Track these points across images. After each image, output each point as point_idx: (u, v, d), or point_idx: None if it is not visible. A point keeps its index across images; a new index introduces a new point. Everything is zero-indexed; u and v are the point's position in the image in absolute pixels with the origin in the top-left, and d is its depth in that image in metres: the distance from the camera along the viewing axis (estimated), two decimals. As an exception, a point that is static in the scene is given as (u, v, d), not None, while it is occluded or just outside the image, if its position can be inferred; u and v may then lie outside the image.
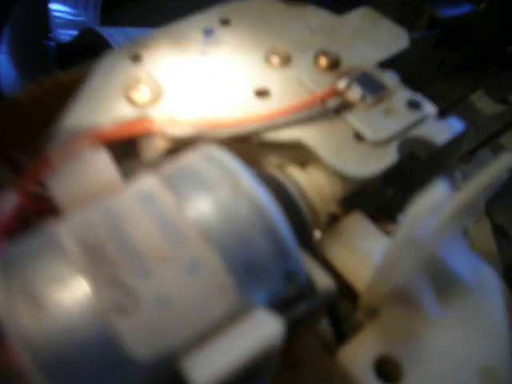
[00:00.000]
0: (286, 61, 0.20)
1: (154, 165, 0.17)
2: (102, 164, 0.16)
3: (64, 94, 0.21)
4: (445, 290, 0.17)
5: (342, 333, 0.17)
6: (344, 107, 0.18)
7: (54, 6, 0.38)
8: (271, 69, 0.20)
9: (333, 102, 0.19)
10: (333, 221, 0.19)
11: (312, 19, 0.23)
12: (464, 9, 0.26)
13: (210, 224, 0.14)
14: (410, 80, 0.30)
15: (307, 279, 0.15)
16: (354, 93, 0.19)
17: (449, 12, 0.25)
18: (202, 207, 0.14)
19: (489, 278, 0.17)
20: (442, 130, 0.18)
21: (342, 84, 0.19)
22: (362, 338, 0.16)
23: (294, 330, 0.14)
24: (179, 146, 0.17)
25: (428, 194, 0.13)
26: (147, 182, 0.15)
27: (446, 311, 0.17)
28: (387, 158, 0.17)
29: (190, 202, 0.14)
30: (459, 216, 0.16)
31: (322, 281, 0.15)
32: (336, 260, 0.18)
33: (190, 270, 0.13)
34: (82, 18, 0.41)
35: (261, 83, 0.20)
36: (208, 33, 0.22)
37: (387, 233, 0.19)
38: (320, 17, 0.23)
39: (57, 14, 0.38)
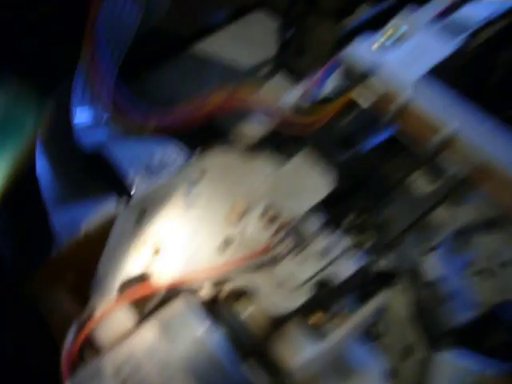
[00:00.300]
0: (242, 215, 0.30)
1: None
2: (124, 319, 0.26)
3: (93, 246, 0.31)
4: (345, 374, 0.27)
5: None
6: (275, 259, 0.28)
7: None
8: (233, 222, 0.30)
9: (268, 255, 0.28)
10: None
11: (262, 169, 0.32)
12: (384, 136, 0.34)
13: (187, 363, 0.24)
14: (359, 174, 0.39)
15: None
16: (284, 247, 0.28)
17: (369, 144, 0.34)
18: (184, 351, 0.24)
19: (373, 366, 0.27)
20: (346, 267, 0.27)
21: (276, 240, 0.28)
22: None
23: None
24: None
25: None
26: (151, 330, 0.25)
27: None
28: (299, 300, 0.27)
29: (176, 347, 0.24)
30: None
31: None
32: (279, 355, 0.28)
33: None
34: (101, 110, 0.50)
35: (225, 235, 0.29)
36: (190, 187, 0.32)
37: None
38: (268, 167, 0.32)
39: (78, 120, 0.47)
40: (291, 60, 0.56)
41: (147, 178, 0.37)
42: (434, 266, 0.30)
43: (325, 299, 0.28)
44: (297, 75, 0.54)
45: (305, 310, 0.27)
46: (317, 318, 0.28)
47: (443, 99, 0.27)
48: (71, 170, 0.46)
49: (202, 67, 0.58)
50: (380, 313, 0.33)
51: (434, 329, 0.29)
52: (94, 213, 0.36)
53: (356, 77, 0.30)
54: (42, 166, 0.44)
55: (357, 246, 0.34)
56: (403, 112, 0.28)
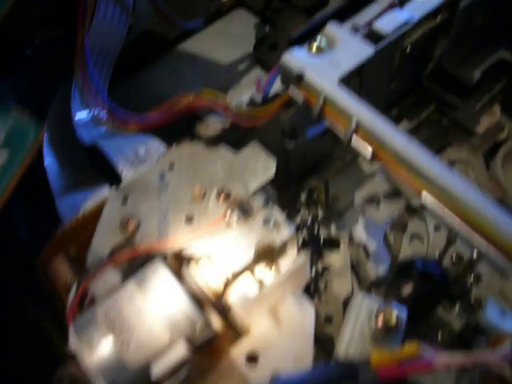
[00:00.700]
0: (203, 196, 0.37)
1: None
2: (112, 277, 0.34)
3: (91, 220, 0.39)
4: (282, 314, 0.34)
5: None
6: (228, 227, 0.36)
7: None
8: (195, 202, 0.37)
9: (222, 224, 0.36)
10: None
11: (219, 159, 0.39)
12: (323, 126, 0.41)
13: (158, 308, 0.32)
14: (313, 157, 0.46)
15: (206, 325, 0.33)
16: (234, 217, 0.36)
17: (311, 133, 0.41)
18: (154, 299, 0.32)
19: (307, 308, 0.34)
20: (281, 234, 0.35)
21: (228, 212, 0.36)
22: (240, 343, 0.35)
23: (201, 348, 0.32)
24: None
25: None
26: (130, 287, 0.34)
27: (281, 325, 0.34)
28: (247, 258, 0.34)
29: (148, 296, 0.32)
30: (279, 289, 0.33)
31: (213, 324, 0.33)
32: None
33: (149, 330, 0.31)
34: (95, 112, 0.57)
35: (188, 212, 0.37)
36: (162, 177, 0.39)
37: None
38: (224, 157, 0.39)
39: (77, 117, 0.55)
40: (265, 56, 0.62)
41: (132, 169, 0.45)
42: (361, 231, 0.38)
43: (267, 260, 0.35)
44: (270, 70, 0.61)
45: (251, 267, 0.35)
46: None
47: (354, 97, 0.34)
48: (74, 161, 0.54)
49: (186, 65, 0.65)
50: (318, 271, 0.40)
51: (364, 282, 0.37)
52: (91, 198, 0.44)
53: (291, 78, 0.36)
54: (49, 158, 0.52)
55: (305, 218, 0.41)
56: (326, 107, 0.34)
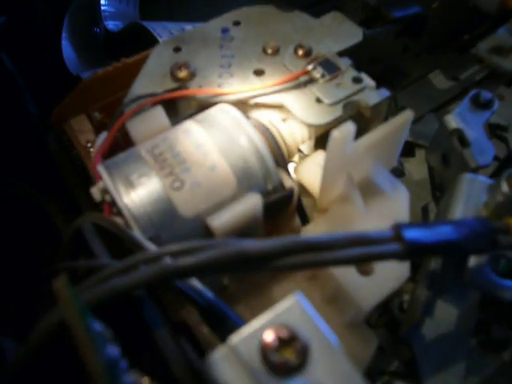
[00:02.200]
0: (276, 51, 0.31)
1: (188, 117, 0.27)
2: (160, 115, 0.27)
3: (129, 73, 0.32)
4: (370, 195, 0.27)
5: (306, 221, 0.28)
6: (311, 81, 0.29)
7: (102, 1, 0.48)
8: (266, 56, 0.30)
9: (304, 79, 0.29)
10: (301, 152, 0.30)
11: (296, 20, 0.33)
12: (412, 10, 0.35)
13: (223, 146, 0.24)
14: (382, 61, 0.40)
15: (279, 182, 0.25)
16: (318, 72, 0.29)
17: (399, 13, 0.35)
18: (219, 137, 0.25)
19: (400, 190, 0.27)
20: (374, 96, 0.28)
21: (310, 67, 0.29)
22: (316, 222, 0.27)
23: (271, 211, 0.24)
24: (205, 106, 0.28)
25: (344, 126, 0.23)
26: (187, 123, 0.26)
27: (370, 207, 0.27)
28: (335, 112, 0.27)
29: (212, 133, 0.25)
30: (375, 149, 0.26)
31: (288, 183, 0.25)
32: (302, 178, 0.28)
33: (211, 169, 0.24)
34: (125, 10, 0.51)
35: (258, 66, 0.30)
36: (224, 31, 0.32)
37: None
38: (302, 18, 0.33)
39: (104, 7, 0.48)
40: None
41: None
42: (455, 119, 0.31)
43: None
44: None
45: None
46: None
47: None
48: (93, 51, 0.46)
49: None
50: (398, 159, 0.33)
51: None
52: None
53: None
54: (66, 45, 0.45)
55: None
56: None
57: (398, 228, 0.20)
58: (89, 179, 0.30)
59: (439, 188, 0.34)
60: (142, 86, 0.29)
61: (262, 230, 0.25)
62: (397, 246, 0.20)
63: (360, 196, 0.26)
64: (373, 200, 0.27)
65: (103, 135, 0.27)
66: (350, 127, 0.23)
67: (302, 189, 0.29)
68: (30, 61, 0.38)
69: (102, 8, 0.47)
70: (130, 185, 0.23)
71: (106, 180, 0.24)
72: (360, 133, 0.27)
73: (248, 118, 0.27)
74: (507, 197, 0.24)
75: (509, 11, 0.38)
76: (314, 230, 0.27)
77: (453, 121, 0.31)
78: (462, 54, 0.44)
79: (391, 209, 0.27)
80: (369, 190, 0.28)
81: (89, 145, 0.32)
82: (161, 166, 0.23)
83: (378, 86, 0.29)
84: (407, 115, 0.26)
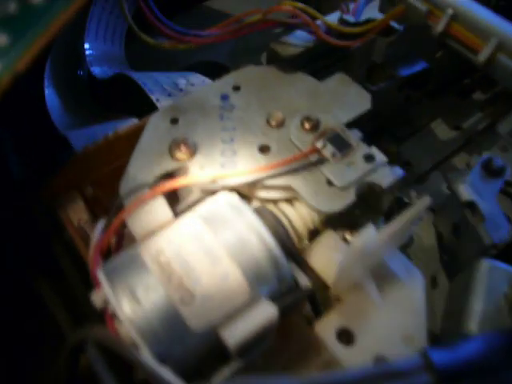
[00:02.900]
0: (280, 124, 0.29)
1: (189, 208, 0.25)
2: (161, 208, 0.25)
3: (121, 144, 0.30)
4: (385, 283, 0.26)
5: (319, 312, 0.26)
6: (321, 161, 0.27)
7: (86, 45, 0.46)
8: (271, 129, 0.29)
9: (313, 157, 0.27)
10: (313, 235, 0.28)
11: (300, 84, 0.31)
12: (419, 66, 0.34)
13: (234, 249, 0.23)
14: (384, 114, 0.39)
15: (293, 281, 0.24)
16: (328, 151, 0.27)
17: (406, 72, 0.33)
18: (229, 238, 0.23)
19: (415, 276, 0.26)
20: (387, 176, 0.27)
21: (319, 144, 0.27)
22: (330, 315, 0.25)
23: (285, 312, 0.23)
24: (208, 191, 0.26)
25: (366, 231, 0.22)
26: (192, 221, 0.24)
27: (385, 297, 0.25)
28: (348, 198, 0.26)
29: (221, 235, 0.23)
30: (392, 239, 0.24)
31: (303, 281, 0.24)
32: (314, 264, 0.27)
33: (223, 279, 0.22)
34: (110, 50, 0.48)
35: (263, 141, 0.28)
36: (224, 98, 0.30)
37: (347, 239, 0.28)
38: (306, 82, 0.31)
39: (88, 51, 0.45)
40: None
41: (172, 100, 0.35)
42: (467, 190, 0.30)
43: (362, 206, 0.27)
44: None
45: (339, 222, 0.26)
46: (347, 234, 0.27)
47: (484, 11, 0.27)
48: (78, 97, 0.44)
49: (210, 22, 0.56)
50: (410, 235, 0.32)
51: (470, 249, 0.29)
52: (114, 128, 0.34)
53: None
54: (49, 94, 0.42)
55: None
56: (452, 23, 0.27)
57: (426, 355, 0.19)
58: (84, 264, 0.28)
59: (448, 253, 0.33)
60: (138, 167, 0.27)
61: (274, 333, 0.23)
62: (427, 377, 0.18)
63: (375, 287, 0.25)
64: (388, 287, 0.26)
65: (100, 225, 0.25)
66: (371, 234, 0.21)
67: (314, 275, 0.27)
68: (15, 117, 0.36)
69: (87, 52, 0.44)
70: (136, 300, 0.21)
71: (108, 294, 0.22)
72: (372, 207, 0.26)
73: (254, 200, 0.25)
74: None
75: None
76: (332, 322, 0.25)
77: (465, 191, 0.30)
78: (464, 100, 0.43)
79: (407, 298, 0.26)
80: (383, 276, 0.26)
81: (81, 224, 0.30)
82: (168, 278, 0.22)
83: (381, 138, 0.28)
84: (425, 202, 0.25)
